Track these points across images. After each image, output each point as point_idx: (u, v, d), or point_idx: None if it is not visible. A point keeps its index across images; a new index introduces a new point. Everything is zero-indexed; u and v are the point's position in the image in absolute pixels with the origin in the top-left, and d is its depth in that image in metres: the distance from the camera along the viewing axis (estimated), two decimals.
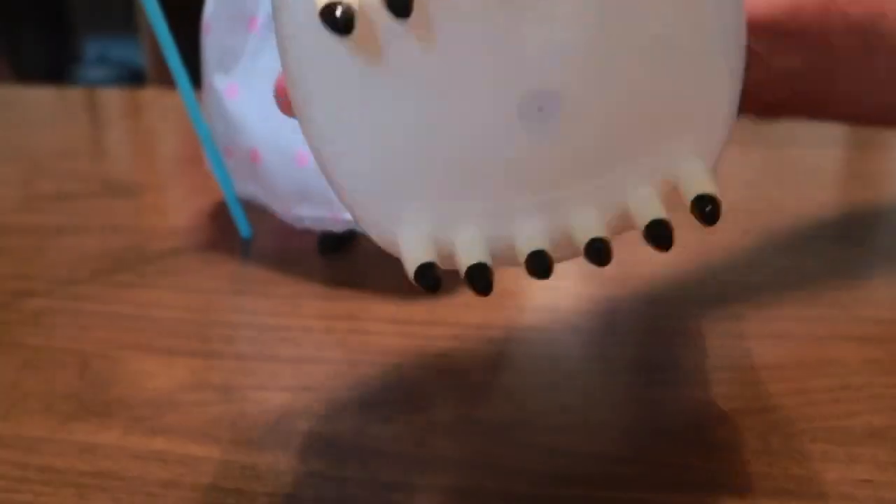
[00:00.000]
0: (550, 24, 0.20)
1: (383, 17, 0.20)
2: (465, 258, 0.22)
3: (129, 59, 2.03)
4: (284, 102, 0.24)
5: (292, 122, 0.39)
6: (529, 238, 0.22)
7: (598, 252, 0.22)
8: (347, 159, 0.22)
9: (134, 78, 1.97)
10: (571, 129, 0.22)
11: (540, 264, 0.22)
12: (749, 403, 0.31)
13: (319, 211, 0.39)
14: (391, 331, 0.36)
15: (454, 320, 0.37)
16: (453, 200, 0.22)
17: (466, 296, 0.38)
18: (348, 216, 0.39)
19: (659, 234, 0.22)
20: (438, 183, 0.22)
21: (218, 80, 0.41)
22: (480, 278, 0.22)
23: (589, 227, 0.22)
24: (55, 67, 2.04)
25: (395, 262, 0.42)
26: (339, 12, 0.19)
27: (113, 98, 0.84)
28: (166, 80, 1.63)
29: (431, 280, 0.21)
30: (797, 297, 0.38)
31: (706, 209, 0.22)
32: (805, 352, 0.34)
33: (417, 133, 0.22)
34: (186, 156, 0.60)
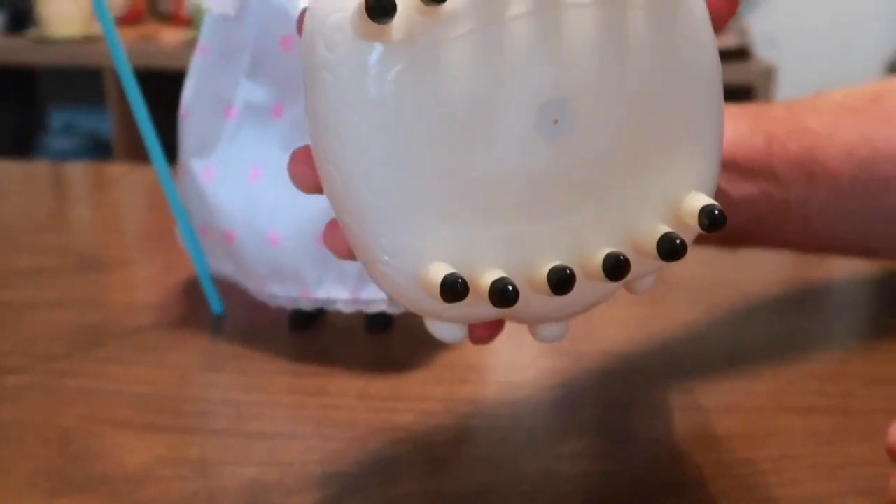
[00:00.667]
0: (559, 44, 0.22)
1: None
2: (488, 276, 0.23)
3: (96, 129, 2.04)
4: (304, 175, 0.26)
5: (266, 204, 0.42)
6: (547, 260, 0.23)
7: (617, 265, 0.23)
8: (375, 192, 0.23)
9: (100, 148, 1.98)
10: (584, 142, 0.23)
11: (561, 277, 0.23)
12: (700, 473, 0.33)
13: (291, 290, 0.41)
14: (360, 405, 0.37)
15: (420, 395, 0.38)
16: (475, 227, 0.23)
17: (431, 371, 0.40)
18: (319, 295, 0.40)
19: (672, 247, 0.23)
20: (459, 206, 0.23)
21: (195, 163, 0.43)
22: (504, 291, 0.22)
23: (602, 245, 0.24)
24: (20, 136, 2.05)
25: (362, 338, 0.44)
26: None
27: (80, 172, 0.85)
28: (133, 152, 1.63)
29: (459, 286, 0.22)
30: (745, 369, 0.41)
31: (715, 213, 0.23)
32: (752, 423, 0.36)
33: (440, 156, 0.23)
34: (157, 231, 0.62)
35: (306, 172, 0.26)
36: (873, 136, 0.42)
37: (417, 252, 0.23)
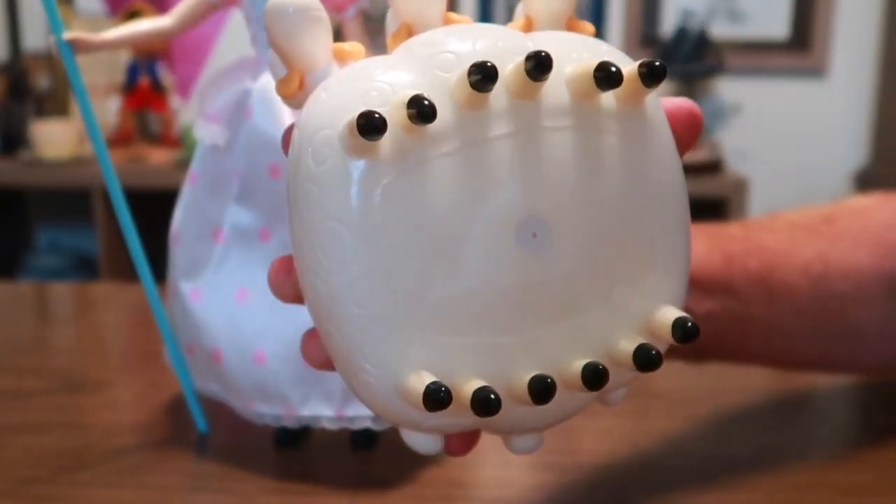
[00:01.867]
0: (538, 164, 0.24)
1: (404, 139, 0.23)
2: (469, 385, 0.23)
3: (81, 248, 2.05)
4: (283, 285, 0.26)
5: (253, 324, 0.42)
6: (526, 369, 0.24)
7: (596, 375, 0.24)
8: (358, 303, 0.23)
9: (85, 266, 1.99)
10: (561, 257, 0.24)
11: (542, 387, 0.23)
12: None
13: (276, 408, 0.41)
14: None
15: None
16: (455, 337, 0.24)
17: (416, 488, 0.40)
18: (304, 412, 0.41)
19: (648, 358, 0.24)
20: (441, 317, 0.24)
21: (184, 284, 0.44)
22: (486, 400, 0.22)
23: (578, 356, 0.24)
24: (7, 256, 2.06)
25: (347, 455, 0.44)
26: (376, 117, 0.22)
27: (64, 293, 0.86)
28: (119, 270, 1.63)
29: (442, 395, 0.22)
30: (722, 481, 0.41)
31: (688, 326, 0.24)
32: None
33: (423, 268, 0.24)
34: (141, 351, 0.62)
35: (286, 283, 0.26)
36: (827, 253, 0.43)
37: (399, 362, 0.24)
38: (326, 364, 0.27)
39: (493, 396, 0.23)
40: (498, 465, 0.43)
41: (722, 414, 0.49)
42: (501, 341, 0.25)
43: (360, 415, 0.41)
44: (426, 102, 0.22)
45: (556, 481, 0.41)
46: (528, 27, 0.27)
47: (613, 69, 0.23)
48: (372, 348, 0.24)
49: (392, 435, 0.44)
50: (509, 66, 0.24)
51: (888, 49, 1.89)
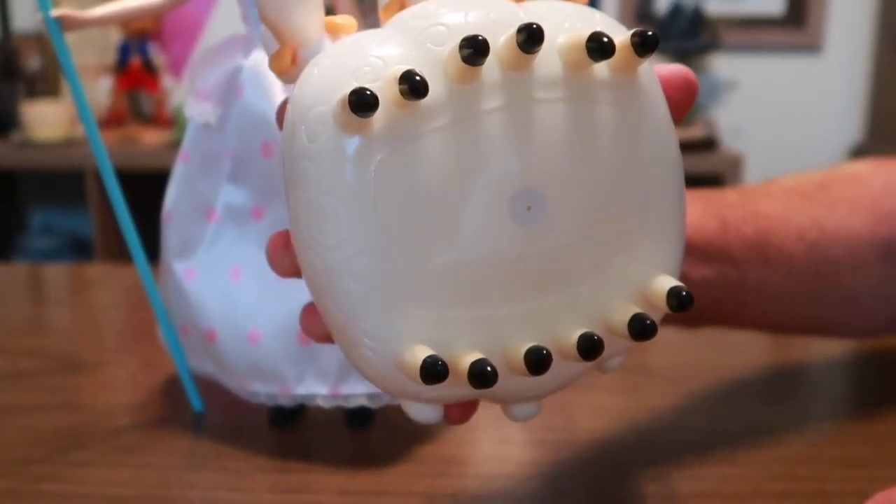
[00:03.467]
0: (530, 136, 0.24)
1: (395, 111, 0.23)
2: (467, 358, 0.23)
3: (75, 229, 2.05)
4: (281, 259, 0.27)
5: (247, 303, 0.42)
6: (522, 341, 0.24)
7: (592, 345, 0.24)
8: (355, 278, 0.24)
9: (79, 248, 1.99)
10: (555, 229, 0.24)
11: (538, 359, 0.23)
12: None
13: (271, 387, 0.41)
14: (341, 501, 0.37)
15: (401, 489, 0.38)
16: (452, 310, 0.24)
17: (412, 464, 0.40)
18: (299, 391, 0.41)
19: (643, 327, 0.24)
20: (438, 290, 0.24)
21: (177, 264, 0.44)
22: (483, 372, 0.23)
23: (574, 326, 0.25)
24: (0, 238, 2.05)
25: (343, 433, 0.44)
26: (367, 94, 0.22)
27: (59, 274, 0.86)
28: (112, 251, 1.63)
29: (439, 368, 0.23)
30: (719, 456, 0.41)
31: (682, 294, 0.24)
32: None
33: (419, 243, 0.24)
34: (136, 332, 0.62)
35: (284, 257, 0.26)
36: (822, 219, 0.44)
37: (397, 335, 0.24)
38: (326, 338, 0.27)
39: (489, 369, 0.23)
40: (493, 441, 0.43)
41: (717, 390, 0.50)
42: (497, 313, 0.25)
43: (355, 393, 0.41)
44: (418, 78, 0.22)
45: (551, 457, 0.41)
46: None
47: (605, 39, 0.23)
48: (369, 323, 0.24)
49: (387, 413, 0.44)
50: (501, 38, 0.23)
51: (883, 25, 1.89)
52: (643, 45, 0.23)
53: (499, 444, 0.43)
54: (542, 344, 0.24)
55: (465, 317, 0.24)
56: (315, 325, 0.27)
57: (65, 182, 2.00)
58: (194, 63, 0.44)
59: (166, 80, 1.83)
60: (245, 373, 0.42)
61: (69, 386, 0.51)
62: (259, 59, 0.41)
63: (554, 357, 0.24)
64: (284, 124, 0.25)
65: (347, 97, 0.22)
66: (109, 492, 0.38)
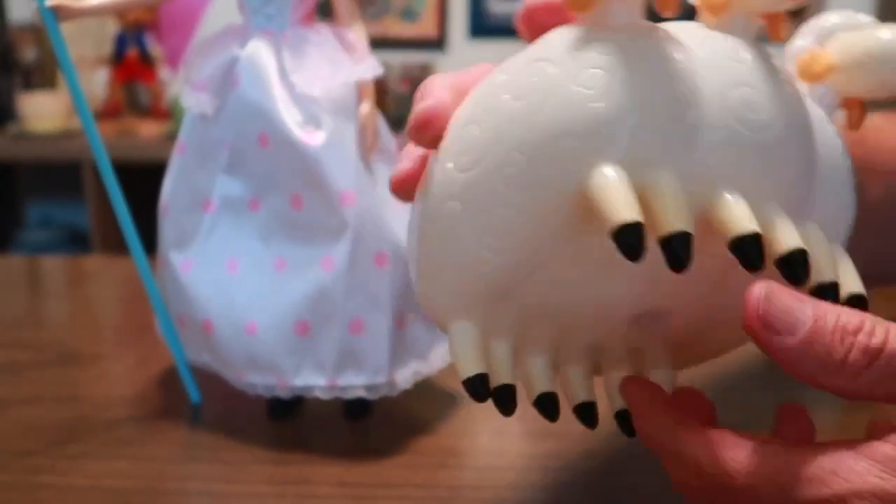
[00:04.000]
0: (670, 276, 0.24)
1: None
2: (502, 377, 0.26)
3: (73, 222, 2.04)
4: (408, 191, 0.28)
5: (243, 295, 0.42)
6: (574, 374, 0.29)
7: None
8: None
9: (77, 240, 1.98)
10: (669, 328, 0.27)
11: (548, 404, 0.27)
12: None
13: (269, 379, 0.41)
14: (340, 493, 0.37)
15: (399, 481, 0.38)
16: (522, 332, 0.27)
17: (410, 456, 0.40)
18: (296, 382, 0.41)
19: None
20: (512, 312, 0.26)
21: (174, 256, 0.44)
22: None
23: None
24: None
25: (341, 425, 0.44)
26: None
27: (56, 266, 0.86)
28: (110, 243, 1.63)
29: (481, 391, 0.25)
30: None
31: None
32: None
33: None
34: (134, 324, 0.62)
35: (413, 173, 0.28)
36: None
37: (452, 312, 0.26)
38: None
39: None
40: (492, 433, 0.43)
41: (717, 383, 0.49)
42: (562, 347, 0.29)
43: (352, 384, 0.41)
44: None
45: (550, 450, 0.41)
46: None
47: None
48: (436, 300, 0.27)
49: (385, 404, 0.44)
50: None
51: (881, 21, 1.88)
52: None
53: (497, 437, 0.43)
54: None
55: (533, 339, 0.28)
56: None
57: (62, 174, 1.99)
58: (190, 53, 0.43)
59: (163, 72, 1.83)
60: (242, 364, 0.42)
61: (67, 378, 0.51)
62: (255, 49, 0.41)
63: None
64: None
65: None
66: (107, 484, 0.38)
